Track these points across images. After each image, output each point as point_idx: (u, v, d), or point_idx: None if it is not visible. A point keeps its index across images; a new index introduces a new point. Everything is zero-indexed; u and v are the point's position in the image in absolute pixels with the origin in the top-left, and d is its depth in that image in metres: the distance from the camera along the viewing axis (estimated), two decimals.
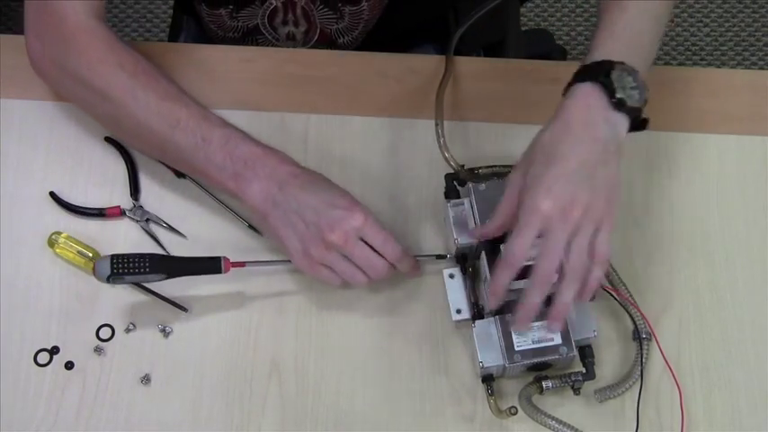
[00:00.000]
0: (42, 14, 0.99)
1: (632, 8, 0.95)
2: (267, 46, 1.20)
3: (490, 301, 0.90)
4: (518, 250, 0.84)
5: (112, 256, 0.94)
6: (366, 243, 0.94)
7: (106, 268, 0.94)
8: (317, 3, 1.14)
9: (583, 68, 0.90)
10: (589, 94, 0.88)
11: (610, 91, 0.87)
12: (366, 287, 0.99)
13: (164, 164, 1.06)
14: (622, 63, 0.89)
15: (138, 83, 0.99)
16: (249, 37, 1.19)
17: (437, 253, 1.01)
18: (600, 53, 0.91)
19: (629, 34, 0.93)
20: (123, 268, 0.94)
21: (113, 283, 0.96)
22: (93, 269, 0.95)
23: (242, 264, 0.98)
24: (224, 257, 0.97)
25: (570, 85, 0.91)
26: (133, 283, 0.99)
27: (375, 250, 0.95)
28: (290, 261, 1.00)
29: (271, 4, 1.15)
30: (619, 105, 0.88)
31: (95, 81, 0.99)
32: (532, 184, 0.85)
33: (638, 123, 0.91)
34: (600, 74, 0.88)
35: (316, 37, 1.19)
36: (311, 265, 0.95)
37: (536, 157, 0.87)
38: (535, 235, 0.84)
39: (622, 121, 0.89)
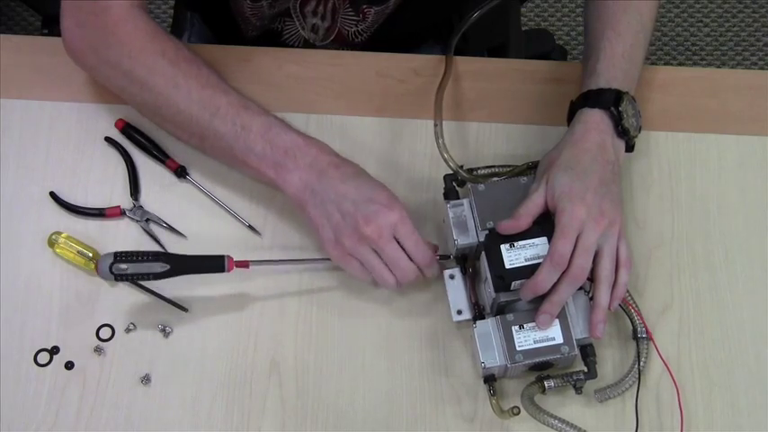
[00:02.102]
0: (84, 3, 0.99)
1: (628, 33, 1.03)
2: (291, 32, 1.20)
3: (525, 295, 0.92)
4: (565, 251, 0.91)
5: (115, 258, 0.94)
6: (399, 245, 0.95)
7: (107, 272, 0.94)
8: (345, 3, 1.14)
9: (592, 94, 0.99)
10: (601, 120, 0.98)
11: (617, 119, 0.97)
12: (391, 291, 1.00)
13: (165, 165, 1.06)
14: (627, 93, 0.99)
15: (179, 71, 0.99)
16: (278, 18, 1.19)
17: (439, 254, 1.01)
18: (604, 80, 0.99)
19: (627, 60, 1.02)
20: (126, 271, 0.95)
21: (117, 281, 0.97)
22: (96, 268, 0.95)
23: (246, 264, 0.98)
24: (228, 256, 0.97)
25: (579, 106, 0.99)
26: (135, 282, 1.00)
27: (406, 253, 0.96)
28: (293, 261, 1.00)
29: None
30: (622, 133, 0.98)
31: (137, 70, 1.00)
32: (566, 193, 0.92)
33: (629, 147, 1.01)
34: (610, 103, 0.98)
35: (333, 36, 1.20)
36: (342, 256, 0.96)
37: (558, 170, 0.95)
38: (575, 239, 0.91)
39: (623, 147, 1.00)
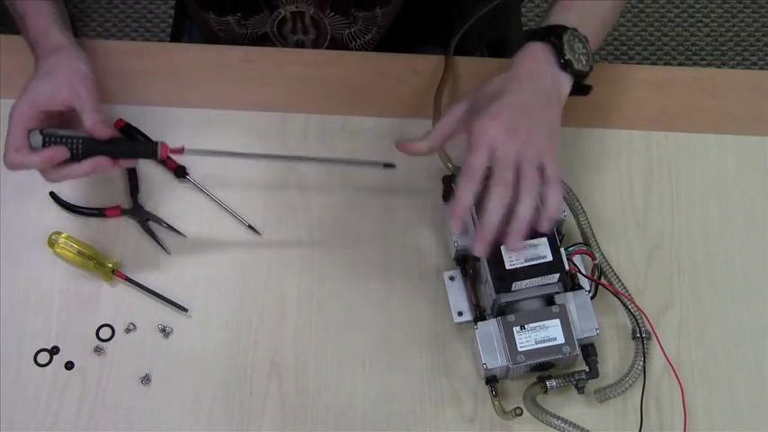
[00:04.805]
0: None
1: None
2: None
3: (454, 224, 0.89)
4: (476, 163, 0.86)
5: (44, 135, 0.92)
6: None
7: (38, 143, 0.91)
8: (326, 11, 1.14)
9: (536, 30, 0.95)
10: (539, 50, 0.93)
11: (559, 52, 0.93)
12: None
13: (165, 165, 1.06)
14: (575, 29, 0.94)
15: None
16: (258, 44, 1.19)
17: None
18: (554, 19, 0.96)
19: (584, 5, 0.98)
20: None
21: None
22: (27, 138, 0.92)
23: (180, 151, 0.93)
24: (161, 143, 0.93)
25: (523, 41, 0.95)
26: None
27: None
28: (243, 155, 0.97)
29: (279, 13, 1.15)
30: (565, 66, 0.93)
31: None
32: (481, 113, 0.88)
33: (581, 87, 0.96)
34: (551, 35, 0.93)
35: (326, 43, 1.19)
36: None
37: (483, 96, 0.91)
38: (487, 154, 0.86)
39: (566, 80, 0.94)
